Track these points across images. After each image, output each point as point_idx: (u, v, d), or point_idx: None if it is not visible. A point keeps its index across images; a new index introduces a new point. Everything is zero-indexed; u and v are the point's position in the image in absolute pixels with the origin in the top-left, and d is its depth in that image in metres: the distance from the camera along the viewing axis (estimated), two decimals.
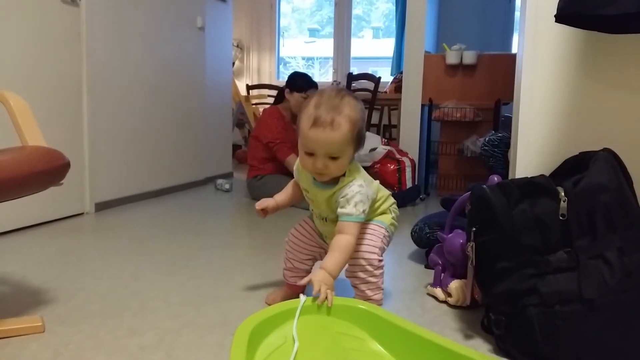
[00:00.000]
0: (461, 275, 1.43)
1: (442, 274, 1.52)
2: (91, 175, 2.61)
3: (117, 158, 2.82)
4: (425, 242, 1.84)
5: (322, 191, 1.25)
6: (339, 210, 1.21)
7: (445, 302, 1.47)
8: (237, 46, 6.22)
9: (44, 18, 2.29)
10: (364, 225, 1.26)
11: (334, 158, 1.15)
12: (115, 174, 2.81)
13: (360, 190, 1.21)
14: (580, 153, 1.31)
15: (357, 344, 1.03)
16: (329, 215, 1.28)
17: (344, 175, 1.22)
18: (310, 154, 1.16)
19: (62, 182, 1.22)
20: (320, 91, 1.20)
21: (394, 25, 5.91)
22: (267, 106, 5.30)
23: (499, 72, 3.46)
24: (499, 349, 1.17)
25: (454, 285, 1.44)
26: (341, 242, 1.18)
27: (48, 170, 1.15)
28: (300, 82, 3.15)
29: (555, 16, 1.25)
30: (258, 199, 3.02)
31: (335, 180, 1.22)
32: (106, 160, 2.72)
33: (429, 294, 1.54)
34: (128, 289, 1.53)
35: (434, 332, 1.01)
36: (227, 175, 4.07)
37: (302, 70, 7.12)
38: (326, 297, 1.02)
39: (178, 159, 3.40)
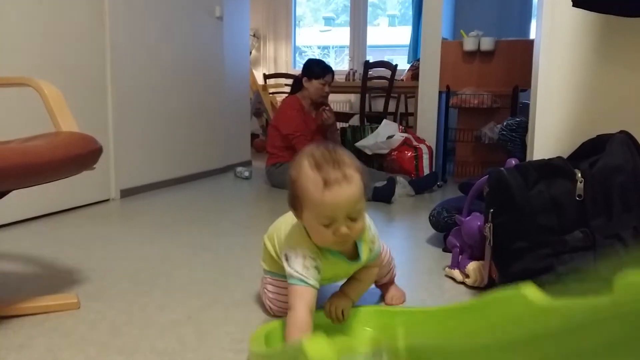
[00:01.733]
0: (478, 257, 1.47)
1: (460, 256, 1.56)
2: (116, 163, 2.68)
3: (140, 147, 2.89)
4: (443, 225, 1.87)
5: (356, 264, 1.13)
6: (372, 255, 1.15)
7: (463, 283, 1.51)
8: (254, 35, 6.26)
9: (70, 9, 2.36)
10: None
11: (353, 219, 0.99)
12: (139, 162, 2.88)
13: (373, 229, 1.16)
14: (597, 136, 1.33)
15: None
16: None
17: None
18: (328, 225, 0.99)
19: (94, 166, 1.28)
20: (305, 153, 1.02)
21: (410, 13, 5.89)
22: (284, 95, 5.36)
23: (517, 59, 3.45)
24: None
25: (472, 266, 1.47)
26: (369, 276, 1.20)
27: (82, 155, 1.21)
28: (316, 69, 3.20)
29: (572, 0, 1.26)
30: (277, 186, 3.12)
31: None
32: (130, 149, 2.79)
33: (447, 276, 1.58)
34: (155, 269, 1.59)
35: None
36: (246, 164, 4.13)
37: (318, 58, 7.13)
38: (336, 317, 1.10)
39: (199, 147, 3.47)
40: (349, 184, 0.97)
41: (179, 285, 1.46)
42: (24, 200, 1.31)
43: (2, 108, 2.04)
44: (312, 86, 3.18)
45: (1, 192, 1.18)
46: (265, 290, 1.26)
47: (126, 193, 2.75)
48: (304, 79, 3.22)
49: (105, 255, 1.74)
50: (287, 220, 1.18)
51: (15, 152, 1.09)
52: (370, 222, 1.15)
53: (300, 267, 1.02)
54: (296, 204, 1.03)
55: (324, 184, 0.96)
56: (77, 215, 2.34)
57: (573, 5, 1.27)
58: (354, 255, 1.11)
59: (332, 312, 1.12)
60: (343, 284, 1.20)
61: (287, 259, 1.06)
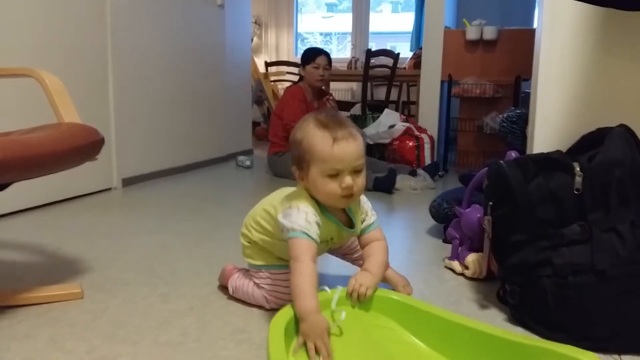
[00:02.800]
0: (478, 249, 1.48)
1: (460, 248, 1.57)
2: (118, 152, 2.69)
3: (142, 136, 2.89)
4: (443, 217, 1.88)
5: (351, 232, 1.20)
6: (363, 225, 1.22)
7: (462, 274, 1.52)
8: (256, 22, 6.22)
9: None
10: None
11: (357, 172, 1.10)
12: (141, 151, 2.89)
13: (365, 199, 1.24)
14: (596, 129, 1.33)
15: (389, 334, 1.07)
16: (340, 244, 1.29)
17: None
18: (334, 176, 1.08)
19: (97, 157, 1.29)
20: (309, 117, 1.13)
21: None
22: (285, 83, 5.35)
23: (520, 48, 3.43)
24: (513, 319, 1.22)
25: (471, 258, 1.49)
26: (381, 247, 1.22)
27: (85, 146, 1.22)
28: (307, 54, 3.25)
29: None
30: (278, 175, 3.13)
31: (344, 212, 1.18)
32: (132, 138, 2.80)
33: (446, 267, 1.59)
34: (158, 259, 1.61)
35: (467, 317, 1.05)
36: (248, 152, 4.13)
37: (320, 46, 7.10)
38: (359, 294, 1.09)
39: (200, 136, 3.47)
40: (354, 140, 1.09)
41: (181, 276, 1.48)
42: (26, 190, 1.32)
43: (4, 99, 2.04)
44: (307, 72, 3.21)
45: (3, 184, 1.19)
46: (262, 286, 1.25)
47: (128, 182, 2.77)
48: (300, 68, 3.26)
49: (108, 245, 1.75)
50: (267, 201, 1.25)
51: (17, 144, 1.10)
52: (365, 199, 1.24)
53: (303, 221, 1.07)
54: (302, 163, 1.11)
55: (333, 140, 1.07)
56: (79, 205, 2.35)
57: None
58: (348, 224, 1.19)
59: (356, 290, 1.09)
60: (363, 264, 1.19)
61: (286, 216, 1.10)
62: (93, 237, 1.85)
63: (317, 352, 0.93)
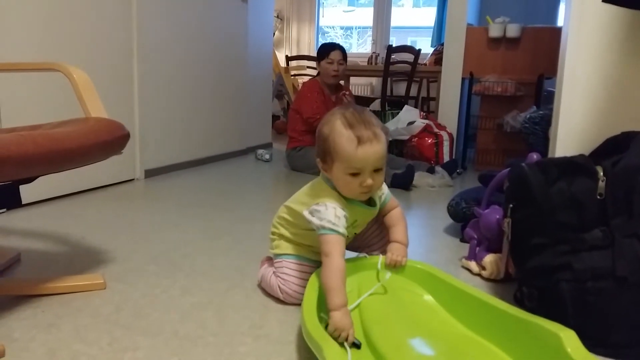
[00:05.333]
0: (496, 250, 1.48)
1: (477, 248, 1.57)
2: (141, 144, 2.73)
3: (164, 128, 2.93)
4: (461, 216, 1.88)
5: (373, 209, 1.26)
6: (381, 200, 1.29)
7: (479, 274, 1.52)
8: (277, 17, 6.23)
9: None
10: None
11: (377, 170, 1.15)
12: (163, 143, 2.93)
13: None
14: (621, 133, 1.31)
15: (414, 298, 1.20)
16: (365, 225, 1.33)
17: None
18: (356, 174, 1.13)
19: (122, 151, 1.31)
20: (337, 113, 1.16)
21: None
22: (306, 78, 5.36)
23: (543, 46, 3.39)
24: None
25: (489, 259, 1.48)
26: (399, 214, 1.32)
27: (111, 141, 1.24)
28: (321, 50, 3.27)
29: None
30: (297, 170, 3.14)
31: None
32: (155, 130, 2.84)
33: (463, 267, 1.59)
34: (178, 252, 1.64)
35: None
36: (267, 146, 4.15)
37: (340, 40, 7.09)
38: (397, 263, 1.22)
39: (221, 129, 3.50)
40: (378, 142, 1.12)
41: (201, 269, 1.50)
42: (52, 179, 1.35)
43: (32, 92, 2.08)
44: (322, 67, 3.23)
45: (30, 178, 1.21)
46: (278, 274, 1.28)
47: (150, 173, 2.81)
48: (316, 63, 3.28)
49: (130, 236, 1.79)
50: (291, 200, 1.31)
51: (45, 138, 1.13)
52: None
53: (332, 217, 1.12)
54: (327, 158, 1.16)
55: (357, 141, 1.10)
56: (102, 195, 2.40)
57: (603, 1, 1.25)
58: (369, 202, 1.24)
59: (394, 260, 1.22)
60: (391, 236, 1.29)
61: (314, 213, 1.15)
62: (116, 227, 1.89)
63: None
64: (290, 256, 1.29)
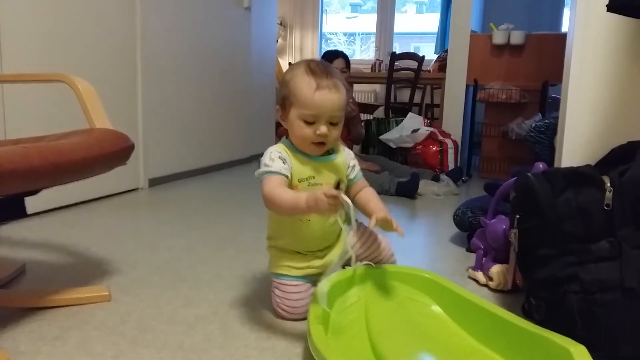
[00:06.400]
0: (502, 260, 1.47)
1: (484, 258, 1.56)
2: (145, 153, 2.74)
3: (168, 137, 2.94)
4: (467, 225, 1.87)
5: (333, 162, 1.23)
6: (353, 172, 1.28)
7: (486, 285, 1.51)
8: (281, 24, 6.25)
9: (100, 2, 2.39)
10: None
11: (333, 124, 1.16)
12: (167, 152, 2.93)
13: (350, 152, 1.30)
14: (627, 143, 1.31)
15: (420, 308, 1.19)
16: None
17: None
18: (311, 123, 1.14)
19: (126, 162, 1.31)
20: (302, 61, 1.20)
21: (439, 0, 5.80)
22: None
23: (547, 53, 3.39)
24: None
25: (496, 269, 1.47)
26: (371, 192, 1.29)
27: (115, 152, 1.24)
28: (324, 58, 3.25)
29: (607, 6, 1.24)
30: None
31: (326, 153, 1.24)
32: (158, 139, 2.84)
33: (470, 277, 1.58)
34: (182, 262, 1.63)
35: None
36: None
37: (343, 47, 7.10)
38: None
39: (224, 137, 3.50)
40: (337, 91, 1.14)
41: (205, 280, 1.49)
42: (56, 190, 1.35)
43: (37, 103, 2.09)
44: None
45: (34, 190, 1.22)
46: (275, 294, 1.27)
47: (154, 182, 2.81)
48: None
49: (135, 246, 1.78)
50: None
51: (51, 151, 1.13)
52: (349, 150, 1.30)
53: (267, 160, 1.15)
54: (285, 103, 1.18)
55: (316, 86, 1.13)
56: (107, 204, 2.40)
57: (608, 11, 1.24)
58: (325, 154, 1.22)
59: (380, 216, 1.16)
60: (370, 208, 1.23)
61: (259, 165, 1.18)
62: (120, 237, 1.89)
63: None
64: (281, 276, 1.26)
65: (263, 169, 1.15)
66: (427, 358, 1.03)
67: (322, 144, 1.17)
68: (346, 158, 1.27)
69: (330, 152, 1.24)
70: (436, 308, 1.20)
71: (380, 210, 1.19)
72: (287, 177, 1.16)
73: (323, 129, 1.14)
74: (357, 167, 1.30)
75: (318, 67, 1.16)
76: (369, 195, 1.28)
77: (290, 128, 1.19)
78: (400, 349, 1.03)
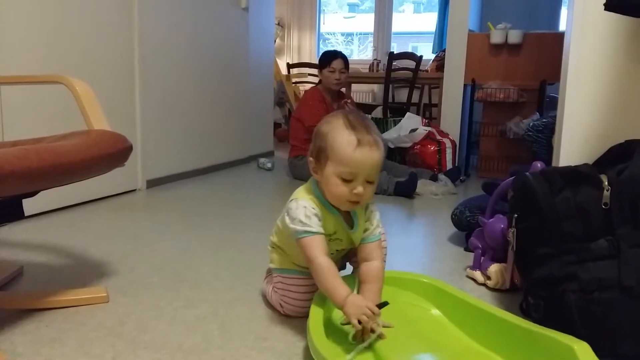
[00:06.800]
0: (500, 259, 1.47)
1: (482, 257, 1.56)
2: (143, 154, 2.73)
3: (166, 138, 2.93)
4: (466, 225, 1.87)
5: (352, 232, 1.17)
6: (367, 233, 1.19)
7: (484, 284, 1.51)
8: (278, 24, 6.25)
9: (98, 3, 2.39)
10: None
11: (370, 182, 1.10)
12: (165, 152, 2.93)
13: (375, 209, 1.22)
14: (625, 141, 1.31)
15: (421, 313, 1.19)
16: (348, 247, 1.22)
17: None
18: (348, 181, 1.08)
19: (125, 163, 1.31)
20: (339, 114, 1.13)
21: None
22: (307, 85, 5.36)
23: (545, 52, 3.39)
24: None
25: (494, 268, 1.48)
26: (376, 272, 1.15)
27: (114, 154, 1.24)
28: (323, 58, 3.27)
29: (604, 5, 1.24)
30: (299, 178, 3.14)
31: (348, 213, 1.17)
32: (156, 140, 2.84)
33: (468, 277, 1.58)
34: (182, 263, 1.63)
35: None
36: (269, 154, 4.15)
37: (340, 47, 7.11)
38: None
39: (222, 138, 3.50)
40: (377, 149, 1.08)
41: (205, 281, 1.49)
42: (53, 191, 1.35)
43: (35, 105, 2.09)
44: (323, 76, 3.24)
45: (32, 191, 1.21)
46: (276, 290, 1.27)
47: (152, 183, 2.81)
48: (318, 71, 3.28)
49: (133, 247, 1.78)
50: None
51: (49, 153, 1.12)
52: (375, 209, 1.22)
53: (303, 217, 1.10)
54: (321, 156, 1.11)
55: (357, 143, 1.06)
56: (104, 205, 2.39)
57: (605, 9, 1.25)
58: (349, 221, 1.17)
59: (367, 329, 1.01)
60: (362, 291, 1.12)
61: (288, 211, 1.14)
62: (119, 239, 1.88)
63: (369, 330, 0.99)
64: (285, 270, 1.26)
65: (300, 227, 1.09)
66: None
67: (357, 202, 1.11)
68: (366, 223, 1.19)
69: (354, 218, 1.17)
70: (436, 312, 1.20)
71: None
72: (324, 235, 1.11)
73: (360, 189, 1.08)
74: (371, 230, 1.19)
75: (357, 120, 1.10)
76: (371, 276, 1.14)
77: (325, 182, 1.12)
78: (402, 353, 1.03)
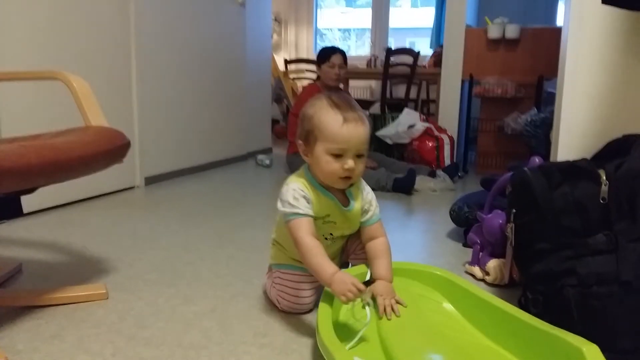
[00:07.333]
0: (499, 255, 1.47)
1: (480, 253, 1.56)
2: (141, 151, 2.73)
3: (164, 135, 2.93)
4: (464, 221, 1.87)
5: (347, 211, 1.20)
6: (366, 216, 1.22)
7: (482, 280, 1.52)
8: (275, 20, 6.23)
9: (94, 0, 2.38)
10: None
11: (359, 157, 1.14)
12: (163, 149, 2.92)
13: (369, 189, 1.25)
14: (623, 136, 1.31)
15: (433, 305, 1.20)
16: (346, 231, 1.25)
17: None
18: (338, 156, 1.12)
19: (123, 160, 1.31)
20: (322, 96, 1.18)
21: None
22: (305, 81, 5.35)
23: (543, 47, 3.39)
24: None
25: (492, 264, 1.48)
26: (384, 247, 1.21)
27: (112, 150, 1.24)
28: (322, 54, 3.25)
29: None
30: None
31: (343, 192, 1.20)
32: (154, 137, 2.84)
33: (467, 272, 1.59)
34: (180, 260, 1.63)
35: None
36: (267, 151, 4.15)
37: (338, 42, 7.09)
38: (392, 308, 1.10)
39: (220, 134, 3.50)
40: (363, 124, 1.13)
41: (203, 277, 1.49)
42: (52, 188, 1.34)
43: (32, 101, 2.08)
44: (322, 71, 3.22)
45: (31, 188, 1.21)
46: (274, 285, 1.28)
47: (150, 180, 2.81)
48: (317, 67, 3.27)
49: (131, 245, 1.78)
50: None
51: (48, 149, 1.12)
52: (368, 187, 1.26)
53: (291, 199, 1.13)
54: (310, 138, 1.15)
55: (343, 120, 1.11)
56: (103, 203, 2.39)
57: (603, 3, 1.25)
58: (345, 202, 1.20)
59: (388, 305, 1.10)
60: (373, 271, 1.18)
61: (280, 197, 1.17)
62: (117, 236, 1.88)
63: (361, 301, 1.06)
64: (283, 266, 1.27)
65: (289, 209, 1.13)
66: (438, 355, 1.02)
67: (348, 177, 1.14)
68: (363, 203, 1.22)
69: (350, 198, 1.20)
70: (448, 305, 1.20)
71: (385, 292, 1.12)
72: (312, 217, 1.14)
73: (350, 162, 1.12)
74: (373, 211, 1.24)
75: (340, 100, 1.15)
76: (379, 251, 1.21)
77: (316, 163, 1.15)
78: (411, 345, 1.02)
